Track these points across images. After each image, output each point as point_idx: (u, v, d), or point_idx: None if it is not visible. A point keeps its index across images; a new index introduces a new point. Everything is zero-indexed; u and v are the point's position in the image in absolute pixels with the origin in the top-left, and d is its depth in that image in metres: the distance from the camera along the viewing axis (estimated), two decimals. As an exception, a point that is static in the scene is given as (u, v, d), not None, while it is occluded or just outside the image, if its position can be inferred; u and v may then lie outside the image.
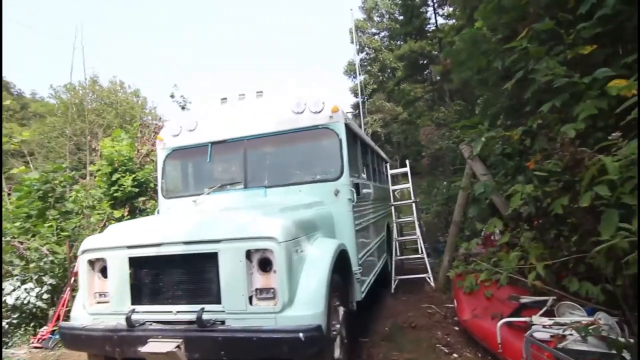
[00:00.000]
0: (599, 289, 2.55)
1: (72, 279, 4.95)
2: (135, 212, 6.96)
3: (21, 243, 5.30)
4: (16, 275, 5.24)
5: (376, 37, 27.74)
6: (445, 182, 8.21)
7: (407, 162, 6.58)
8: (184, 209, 4.03)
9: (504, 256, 2.97)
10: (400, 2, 24.42)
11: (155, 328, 2.70)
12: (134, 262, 2.85)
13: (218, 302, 2.62)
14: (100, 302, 3.01)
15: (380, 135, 24.96)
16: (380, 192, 6.19)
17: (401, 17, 25.74)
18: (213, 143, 4.07)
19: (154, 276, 2.84)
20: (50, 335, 4.84)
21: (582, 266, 2.54)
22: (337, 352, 2.96)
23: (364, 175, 4.95)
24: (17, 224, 5.65)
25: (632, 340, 2.31)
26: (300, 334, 2.36)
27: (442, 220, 7.97)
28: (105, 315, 2.92)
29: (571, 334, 2.43)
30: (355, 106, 24.57)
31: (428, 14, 24.78)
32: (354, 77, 24.51)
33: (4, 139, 7.07)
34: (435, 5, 23.17)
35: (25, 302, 5.19)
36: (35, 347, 4.82)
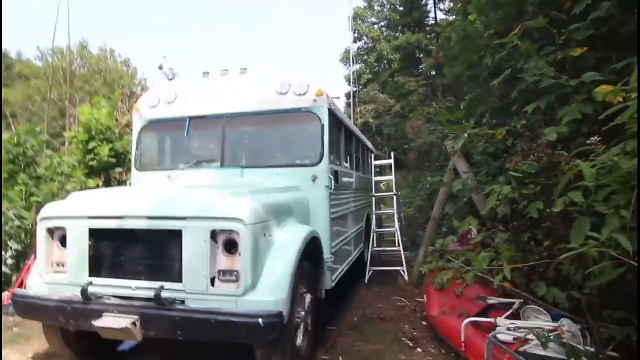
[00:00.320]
0: (566, 295, 2.54)
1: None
2: (111, 183, 6.77)
3: (-15, 206, 5.09)
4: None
5: (375, 26, 27.36)
6: (429, 178, 8.19)
7: (393, 154, 6.51)
8: (157, 183, 3.90)
9: (473, 256, 2.94)
10: (401, -8, 24.17)
11: (112, 303, 2.60)
12: (95, 234, 2.73)
13: (179, 281, 2.53)
14: (58, 272, 2.89)
15: (372, 127, 24.84)
16: (363, 183, 6.13)
17: (401, 8, 25.45)
18: (191, 118, 3.92)
19: (114, 249, 2.73)
20: (11, 301, 4.69)
21: (552, 271, 2.52)
22: (299, 340, 2.92)
23: (347, 164, 4.87)
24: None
25: (592, 349, 2.32)
26: (260, 320, 2.30)
27: (424, 216, 7.97)
28: (62, 285, 2.80)
29: (533, 339, 2.42)
30: (349, 95, 24.37)
31: (428, 7, 24.58)
32: (350, 66, 24.21)
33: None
34: (436, -1, 23.01)
35: (-12, 266, 5.01)
36: (-5, 313, 4.68)
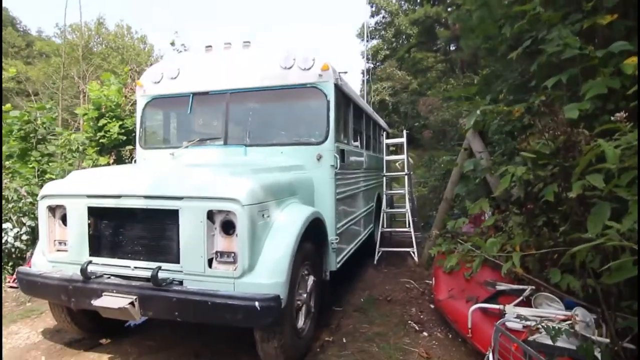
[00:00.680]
0: (581, 283, 2.38)
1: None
2: (121, 161, 6.79)
3: (-1, 183, 5.17)
4: (-7, 214, 5.14)
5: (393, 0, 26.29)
6: (444, 157, 7.93)
7: (405, 132, 6.27)
8: (160, 161, 3.84)
9: (479, 242, 2.79)
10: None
11: (111, 282, 2.59)
12: (93, 212, 2.70)
13: (177, 261, 2.49)
14: (60, 250, 2.89)
15: (388, 104, 24.30)
16: (374, 162, 5.96)
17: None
18: (194, 94, 3.80)
19: (113, 229, 2.70)
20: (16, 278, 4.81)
21: (568, 258, 2.35)
22: (300, 322, 2.87)
23: (356, 143, 4.71)
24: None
25: (607, 340, 2.18)
26: (256, 303, 2.24)
27: (437, 196, 7.78)
28: (64, 264, 2.80)
29: (544, 327, 2.29)
30: (369, 71, 23.74)
31: (450, -23, 23.34)
32: (367, 41, 23.45)
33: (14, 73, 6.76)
34: (460, -32, 21.74)
35: (4, 242, 5.13)
36: (11, 287, 4.82)
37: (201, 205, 2.42)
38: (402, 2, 26.20)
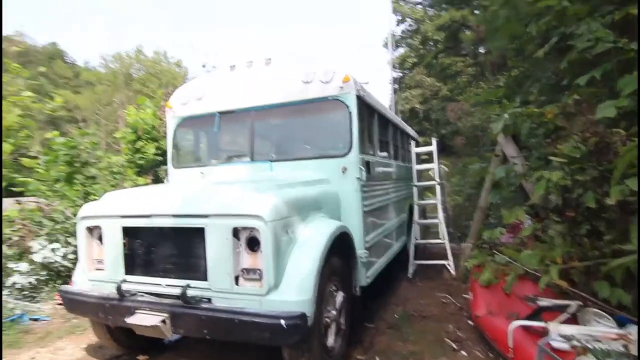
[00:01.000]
0: (632, 297, 2.17)
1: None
2: (159, 180, 7.08)
3: (47, 205, 5.52)
4: (43, 235, 5.48)
5: (419, 6, 26.04)
6: (472, 165, 7.63)
7: (434, 140, 6.10)
8: (191, 180, 3.95)
9: (513, 253, 2.62)
10: (446, -35, 22.59)
11: (144, 300, 2.66)
12: (127, 232, 2.80)
13: (205, 279, 2.52)
14: (98, 269, 3.01)
15: (418, 112, 23.91)
16: (404, 172, 5.84)
17: (445, -17, 23.89)
18: (221, 113, 3.90)
19: (145, 247, 2.78)
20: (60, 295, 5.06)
21: (614, 270, 2.16)
22: (330, 340, 2.80)
23: (384, 153, 4.63)
24: (43, 187, 5.89)
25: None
26: (282, 321, 2.21)
27: (473, 205, 7.47)
28: (102, 282, 2.92)
29: (593, 348, 2.09)
30: (394, 80, 23.54)
31: (476, -21, 22.82)
32: (393, 50, 23.27)
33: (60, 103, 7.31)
34: (487, -30, 21.23)
35: (52, 261, 5.45)
36: (59, 304, 5.07)
37: (226, 222, 2.44)
38: (428, 9, 25.91)
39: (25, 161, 6.22)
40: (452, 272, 5.30)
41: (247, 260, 2.48)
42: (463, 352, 3.15)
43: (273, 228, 2.36)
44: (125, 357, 3.33)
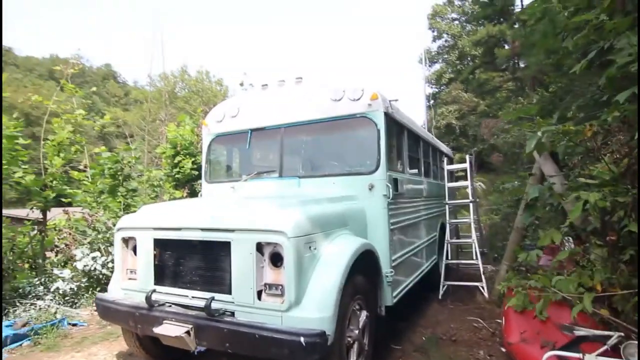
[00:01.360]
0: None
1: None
2: (194, 194, 7.34)
3: (90, 216, 5.87)
4: (86, 244, 5.81)
5: (456, 22, 25.80)
6: (507, 184, 7.33)
7: (468, 157, 5.94)
8: (222, 194, 4.07)
9: (543, 279, 2.46)
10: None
11: (171, 310, 2.73)
12: (158, 244, 2.91)
13: (229, 292, 2.56)
14: (131, 279, 3.14)
15: (454, 128, 23.42)
16: (435, 189, 5.70)
17: (482, -1, 23.54)
18: (252, 130, 4.02)
19: (175, 259, 2.87)
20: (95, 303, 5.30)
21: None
22: (352, 360, 2.74)
23: (414, 170, 4.57)
24: (89, 199, 6.27)
25: None
26: (302, 338, 2.20)
27: (509, 224, 7.15)
28: (134, 291, 3.04)
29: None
30: (431, 96, 23.30)
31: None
32: (429, 66, 23.14)
33: (108, 120, 7.83)
34: (526, -16, 20.77)
35: (92, 269, 5.75)
36: (95, 311, 5.33)
37: (250, 237, 2.49)
38: (465, 25, 25.60)
39: (74, 174, 6.67)
40: (486, 294, 5.06)
41: (270, 275, 2.50)
42: (494, 382, 2.98)
43: (295, 244, 2.38)
44: (154, 366, 3.42)
